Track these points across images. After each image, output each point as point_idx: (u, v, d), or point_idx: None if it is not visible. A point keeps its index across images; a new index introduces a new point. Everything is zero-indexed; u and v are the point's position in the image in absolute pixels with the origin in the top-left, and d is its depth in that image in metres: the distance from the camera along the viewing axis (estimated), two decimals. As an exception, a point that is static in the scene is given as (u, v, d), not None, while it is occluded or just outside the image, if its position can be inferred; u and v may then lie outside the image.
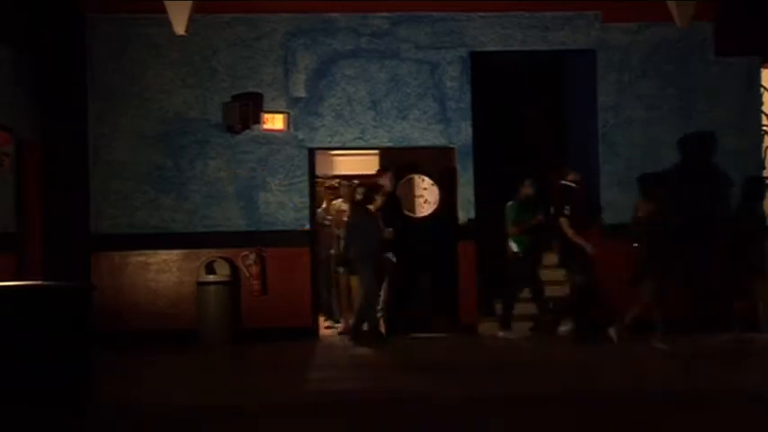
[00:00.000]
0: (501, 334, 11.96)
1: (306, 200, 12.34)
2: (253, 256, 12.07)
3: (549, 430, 7.06)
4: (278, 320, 11.98)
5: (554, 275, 12.92)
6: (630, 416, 7.34)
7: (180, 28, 11.17)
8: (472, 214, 12.44)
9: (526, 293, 12.27)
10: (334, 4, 12.31)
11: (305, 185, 12.34)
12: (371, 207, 11.67)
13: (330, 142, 12.45)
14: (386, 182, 12.33)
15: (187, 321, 11.86)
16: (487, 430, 7.08)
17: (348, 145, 12.51)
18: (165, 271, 12.09)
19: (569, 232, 11.55)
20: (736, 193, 11.92)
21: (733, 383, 8.72)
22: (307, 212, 12.32)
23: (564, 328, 11.86)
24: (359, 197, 12.04)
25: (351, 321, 12.03)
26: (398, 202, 12.47)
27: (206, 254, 11.98)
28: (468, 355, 11.06)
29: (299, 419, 7.48)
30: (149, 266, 12.10)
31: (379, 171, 12.91)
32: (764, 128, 12.83)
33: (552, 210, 11.79)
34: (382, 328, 11.82)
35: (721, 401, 7.84)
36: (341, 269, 12.44)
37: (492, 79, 13.28)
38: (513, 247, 12.01)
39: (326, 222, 13.00)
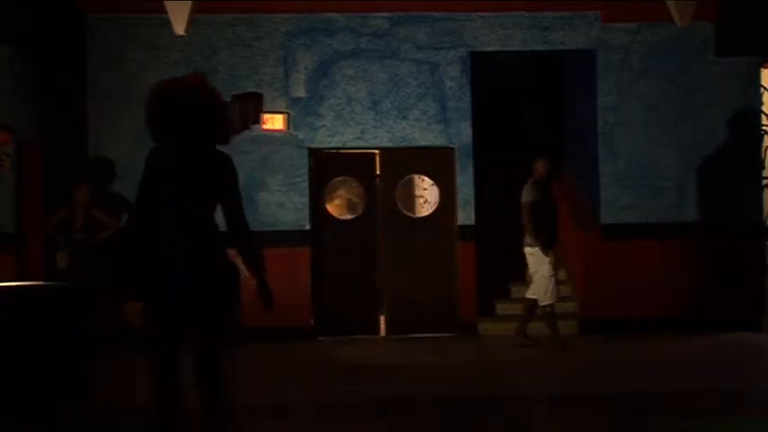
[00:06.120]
0: None
1: (306, 200, 12.34)
2: (253, 257, 12.05)
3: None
4: (278, 320, 11.91)
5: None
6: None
7: (180, 28, 11.17)
8: (472, 214, 12.44)
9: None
10: (334, 4, 12.31)
11: (305, 185, 12.35)
12: None
13: (330, 142, 12.45)
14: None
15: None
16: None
17: (348, 145, 12.50)
18: (164, 271, 12.06)
19: None
20: None
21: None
22: (307, 212, 12.33)
23: None
24: None
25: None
26: None
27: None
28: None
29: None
30: (149, 266, 12.07)
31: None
32: (764, 128, 12.83)
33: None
34: None
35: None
36: None
37: (492, 79, 13.29)
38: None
39: None
